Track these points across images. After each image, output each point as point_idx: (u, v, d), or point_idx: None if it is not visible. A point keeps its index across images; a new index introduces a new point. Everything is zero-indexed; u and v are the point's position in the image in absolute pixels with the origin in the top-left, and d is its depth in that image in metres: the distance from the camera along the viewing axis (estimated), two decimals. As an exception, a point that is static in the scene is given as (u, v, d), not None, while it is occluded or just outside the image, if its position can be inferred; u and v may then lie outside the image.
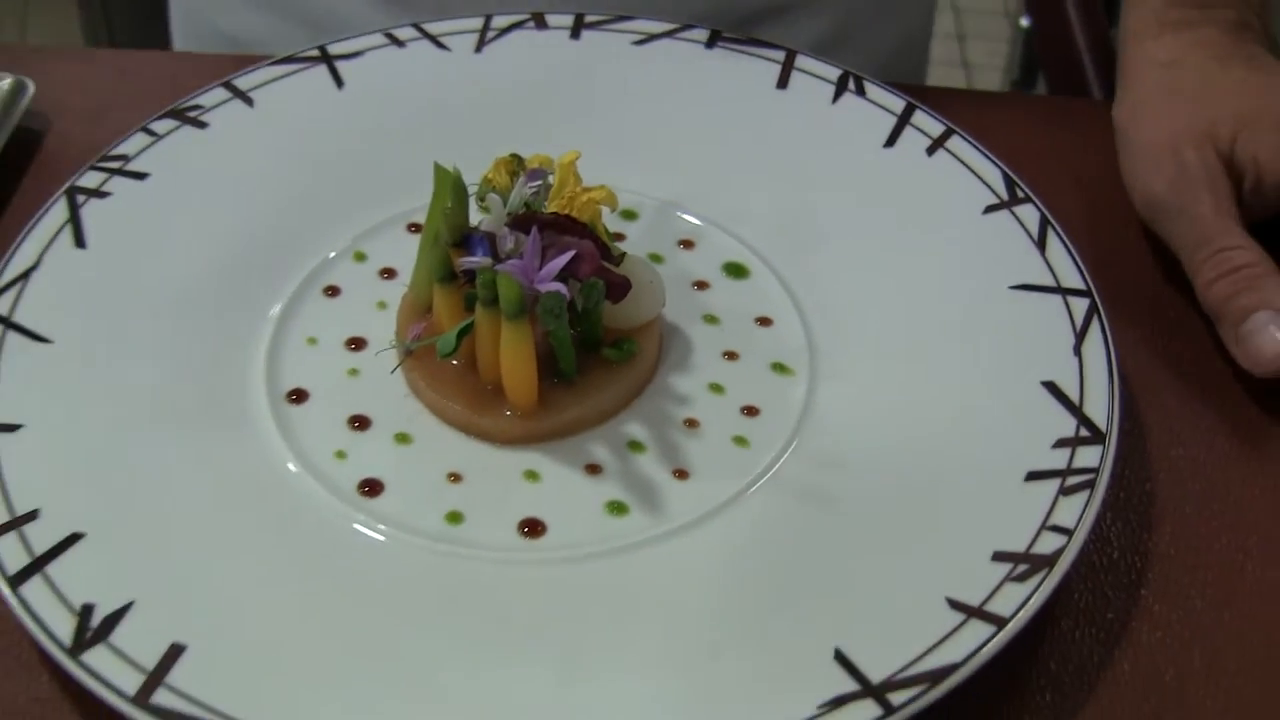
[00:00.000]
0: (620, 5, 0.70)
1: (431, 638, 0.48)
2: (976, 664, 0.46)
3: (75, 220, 0.60)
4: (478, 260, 0.53)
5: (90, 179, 0.62)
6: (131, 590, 0.48)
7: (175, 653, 0.46)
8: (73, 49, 0.79)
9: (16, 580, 0.48)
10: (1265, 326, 0.58)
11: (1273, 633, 0.51)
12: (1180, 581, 0.52)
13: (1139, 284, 0.63)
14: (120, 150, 0.63)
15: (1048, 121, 0.72)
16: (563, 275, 0.52)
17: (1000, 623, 0.47)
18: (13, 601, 0.47)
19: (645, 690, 0.46)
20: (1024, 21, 1.81)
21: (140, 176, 0.62)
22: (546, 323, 0.52)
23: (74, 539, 0.49)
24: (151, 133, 0.64)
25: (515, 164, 0.57)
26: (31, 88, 0.69)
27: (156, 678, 0.45)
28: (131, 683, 0.45)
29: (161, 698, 0.45)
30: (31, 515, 0.50)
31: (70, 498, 0.51)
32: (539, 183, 0.56)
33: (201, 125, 0.64)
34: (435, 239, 0.54)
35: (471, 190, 0.56)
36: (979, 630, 0.47)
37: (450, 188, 0.54)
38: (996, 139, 0.65)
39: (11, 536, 0.49)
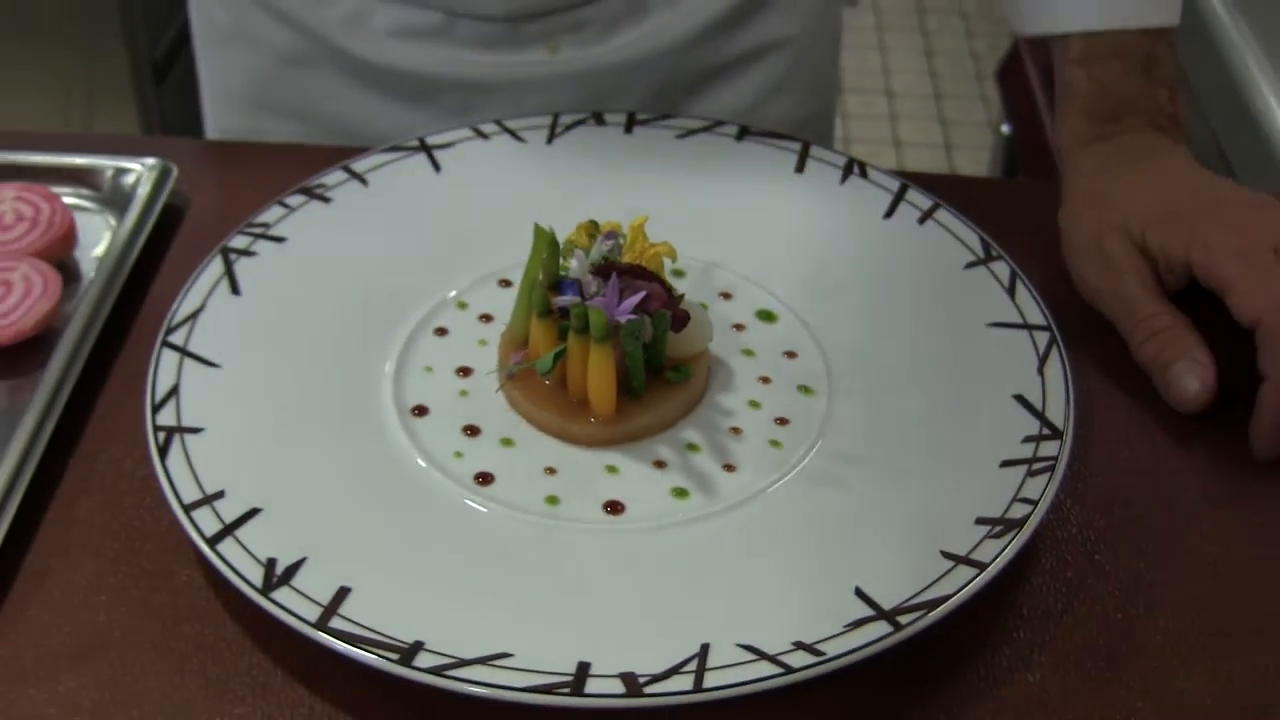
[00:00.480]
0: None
1: (533, 589, 0.62)
2: (964, 596, 0.59)
3: (230, 273, 0.75)
4: (570, 299, 0.67)
5: (239, 241, 0.76)
6: (304, 549, 0.62)
7: (343, 593, 0.60)
8: (198, 140, 0.94)
9: (213, 541, 0.62)
10: (1183, 375, 0.73)
11: (1199, 584, 0.65)
12: (1126, 549, 0.66)
13: (1094, 321, 0.78)
14: (261, 219, 0.78)
15: (1021, 199, 0.88)
16: (637, 309, 0.67)
17: (981, 567, 0.61)
18: (211, 555, 0.61)
19: (711, 620, 0.60)
20: (1005, 129, 1.98)
21: (280, 240, 0.77)
22: (627, 344, 0.67)
23: (254, 512, 0.63)
24: (286, 205, 0.79)
25: (593, 228, 0.72)
26: (175, 170, 0.84)
27: (331, 609, 0.59)
28: (312, 613, 0.59)
29: (336, 623, 0.59)
30: (219, 494, 0.64)
31: (249, 482, 0.65)
32: (613, 242, 0.71)
33: (326, 200, 0.79)
34: (534, 284, 0.69)
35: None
36: (966, 572, 0.60)
37: (546, 242, 0.68)
38: (977, 211, 0.81)
39: (205, 510, 0.63)
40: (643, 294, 0.67)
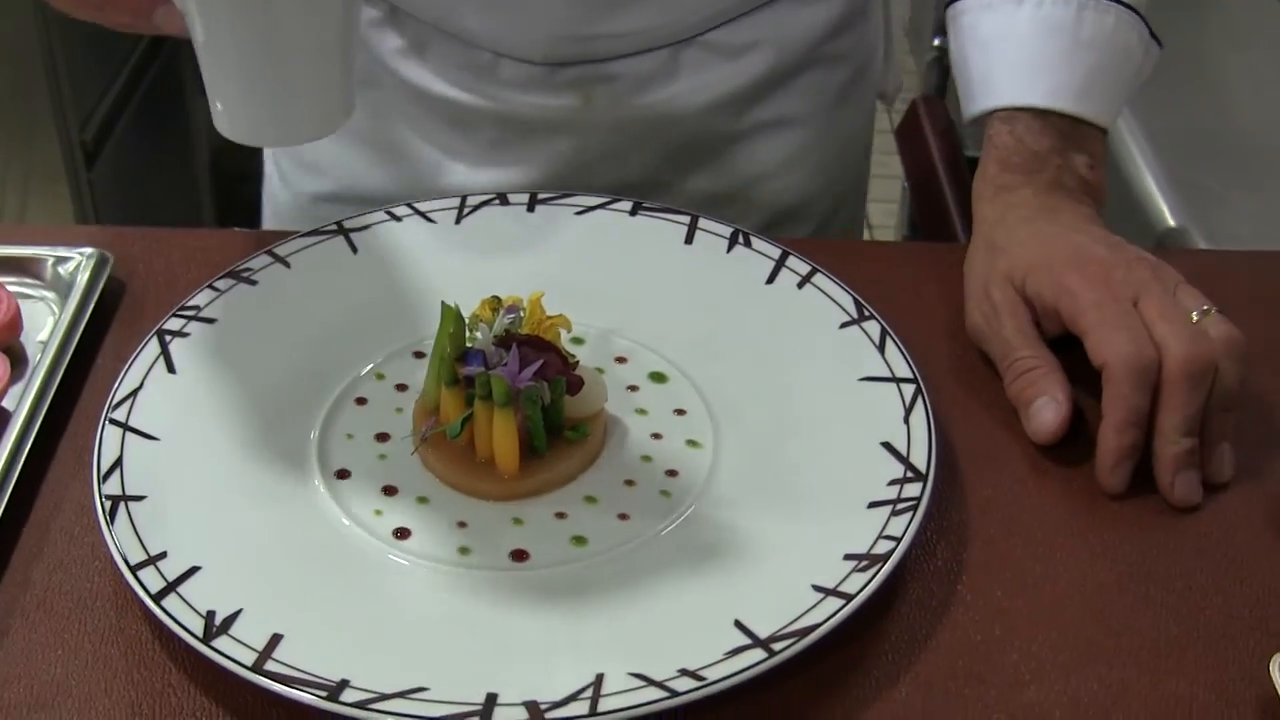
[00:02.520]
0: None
1: (447, 630, 0.71)
2: (832, 624, 0.69)
3: (165, 353, 0.84)
4: (475, 368, 0.77)
5: (173, 324, 0.86)
6: (240, 602, 0.71)
7: (276, 639, 0.69)
8: (133, 228, 1.04)
9: (157, 597, 0.71)
10: (1041, 410, 0.84)
11: (1051, 608, 0.75)
12: (985, 579, 0.76)
13: (964, 373, 0.89)
14: (193, 302, 0.87)
15: (904, 261, 0.99)
16: (536, 376, 0.77)
17: (848, 598, 0.71)
18: (155, 610, 0.70)
19: (606, 651, 0.70)
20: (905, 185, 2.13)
21: (211, 321, 0.87)
22: (527, 408, 0.77)
23: (194, 570, 0.72)
24: (215, 289, 0.88)
25: (495, 303, 0.82)
26: (112, 258, 0.93)
27: (265, 654, 0.68)
28: (249, 658, 0.68)
29: (271, 666, 0.68)
30: (162, 555, 0.73)
31: (188, 544, 0.74)
32: (514, 315, 0.80)
33: (253, 283, 0.89)
34: (443, 356, 0.78)
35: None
36: (834, 603, 0.70)
37: (453, 318, 0.78)
38: (856, 273, 0.92)
39: (150, 570, 0.72)
40: (540, 362, 0.77)
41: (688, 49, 1.04)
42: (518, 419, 0.77)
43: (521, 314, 0.81)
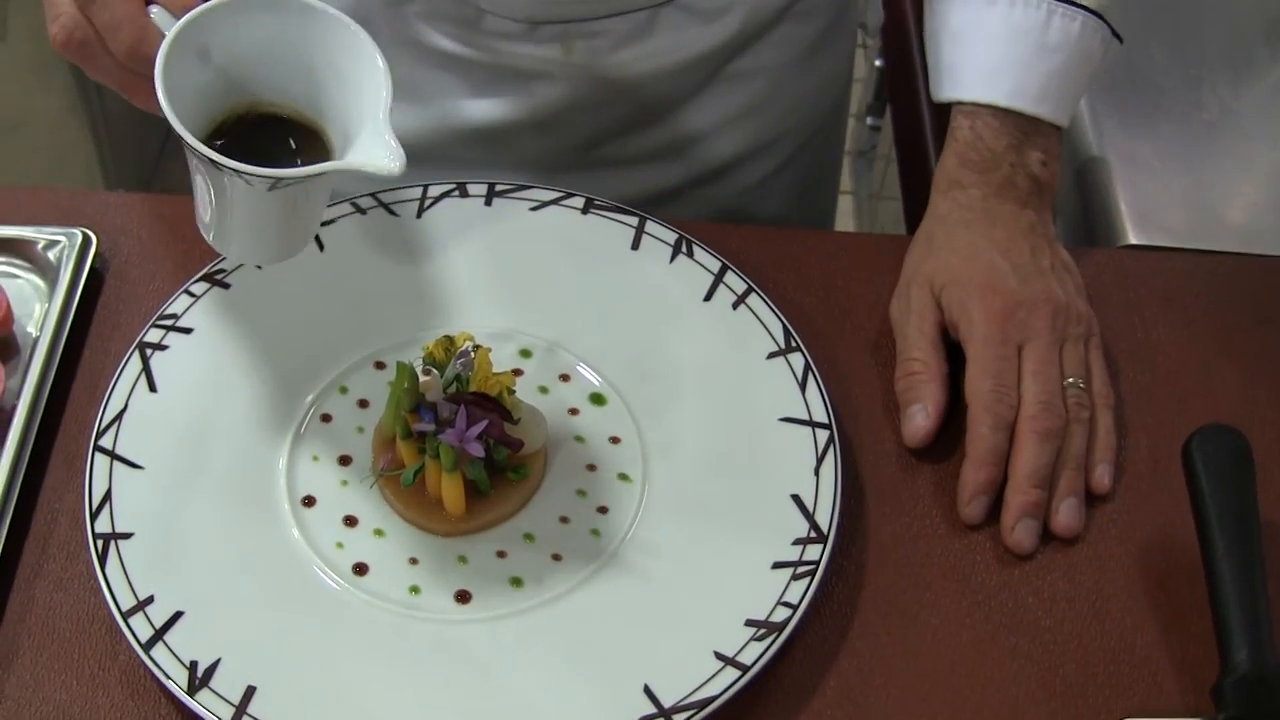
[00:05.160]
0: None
1: (392, 679, 0.86)
2: (728, 696, 0.84)
3: (147, 369, 0.97)
4: (427, 425, 0.90)
5: (153, 335, 0.98)
6: (218, 650, 0.86)
7: (250, 692, 0.84)
8: (114, 194, 1.14)
9: (147, 647, 0.86)
10: (914, 416, 0.98)
11: (927, 663, 0.89)
12: (875, 625, 0.91)
13: (881, 412, 1.01)
14: (171, 310, 0.99)
15: (854, 253, 1.10)
16: (481, 435, 0.90)
17: (745, 669, 0.85)
18: (147, 661, 0.85)
19: (520, 703, 0.85)
20: (878, 63, 2.29)
21: (188, 331, 0.99)
22: (469, 472, 0.90)
23: (178, 615, 0.87)
24: (191, 294, 1.00)
25: (448, 343, 0.93)
26: (95, 240, 1.04)
27: (241, 710, 0.83)
28: (227, 713, 0.83)
29: (245, 722, 0.84)
30: (149, 599, 0.87)
31: (172, 586, 0.88)
32: (465, 358, 0.92)
33: (226, 286, 1.01)
34: (397, 408, 0.91)
35: (417, 361, 0.93)
36: (732, 673, 0.85)
37: (407, 375, 0.91)
38: (807, 271, 1.04)
39: (139, 616, 0.87)
40: (485, 423, 0.89)
41: (665, 10, 1.12)
42: (463, 471, 0.91)
43: (472, 355, 0.93)
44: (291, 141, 0.88)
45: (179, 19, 0.82)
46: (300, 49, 0.85)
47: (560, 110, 1.16)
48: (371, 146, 0.81)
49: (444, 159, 1.18)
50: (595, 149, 1.20)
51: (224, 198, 0.84)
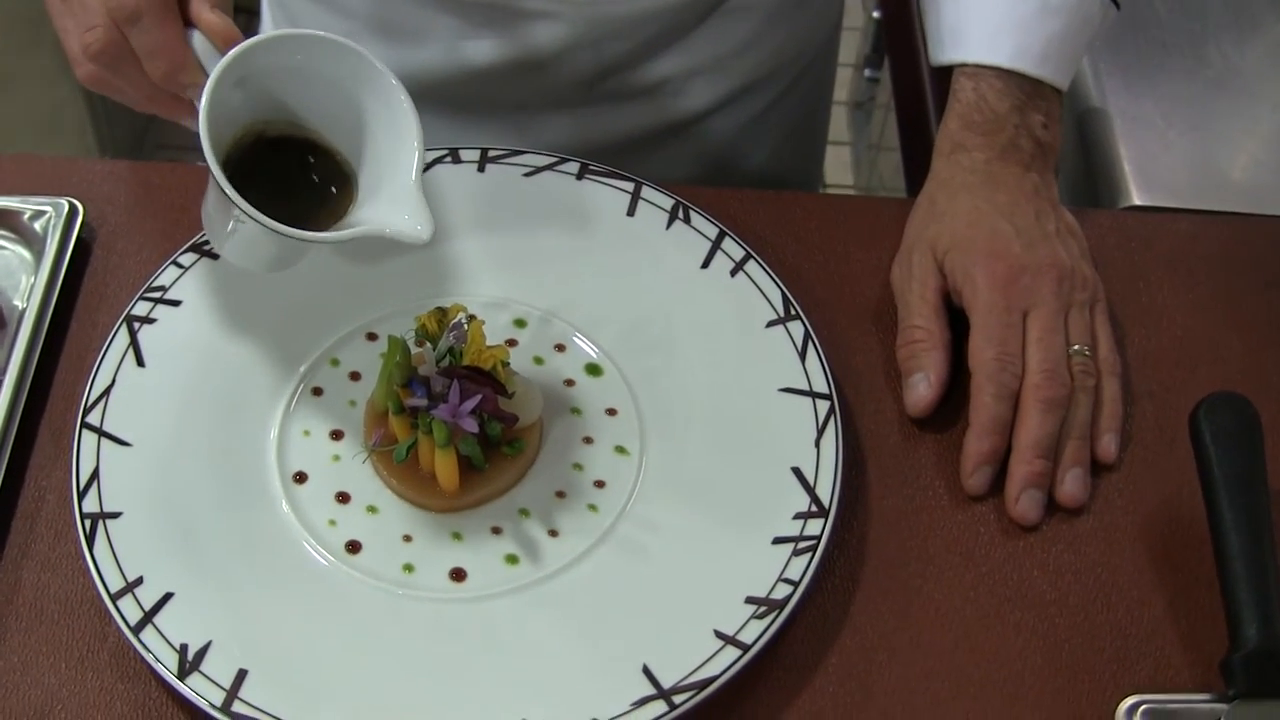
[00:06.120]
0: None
1: (385, 664, 0.84)
2: (729, 676, 0.83)
3: (135, 343, 0.95)
4: (419, 400, 0.88)
5: (140, 308, 0.96)
6: (209, 633, 0.84)
7: (242, 675, 0.83)
8: (101, 162, 1.12)
9: (136, 629, 0.84)
10: (916, 385, 0.96)
11: (929, 638, 0.88)
12: (877, 600, 0.89)
13: (882, 381, 0.99)
14: (159, 281, 0.97)
15: (852, 216, 1.08)
16: (473, 411, 0.88)
17: (746, 648, 0.84)
18: (136, 644, 0.83)
19: (517, 683, 0.83)
20: (875, 14, 2.26)
21: (176, 304, 0.97)
22: (463, 447, 0.88)
23: (168, 597, 0.85)
24: (179, 265, 0.98)
25: (440, 315, 0.91)
26: (81, 210, 1.02)
27: (232, 694, 0.82)
28: (218, 698, 0.82)
29: (237, 707, 0.82)
30: (139, 581, 0.86)
31: (162, 567, 0.86)
32: (457, 330, 0.90)
33: (215, 257, 0.98)
34: (389, 381, 0.89)
35: (409, 333, 0.91)
36: (732, 653, 0.84)
37: (399, 348, 0.88)
38: (805, 234, 1.02)
39: (128, 598, 0.85)
40: (479, 397, 0.87)
41: None
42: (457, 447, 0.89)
43: (465, 327, 0.90)
44: (310, 158, 0.89)
45: (221, 51, 0.82)
46: (335, 85, 0.86)
47: (561, 49, 1.13)
48: (400, 210, 0.84)
49: (442, 99, 1.16)
50: (597, 85, 1.17)
51: (235, 223, 0.85)
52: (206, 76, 0.81)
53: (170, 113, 0.86)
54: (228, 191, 0.80)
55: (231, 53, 0.81)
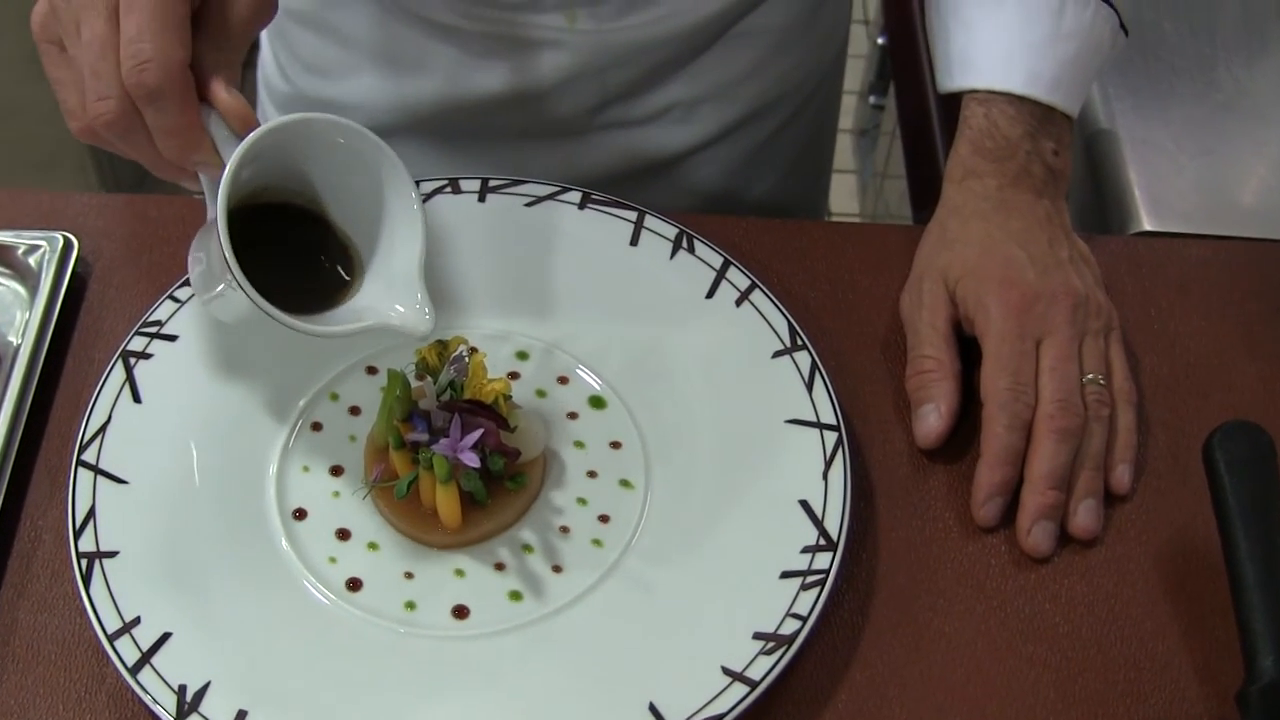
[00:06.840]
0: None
1: (389, 700, 0.83)
2: (736, 714, 0.81)
3: (131, 379, 0.93)
4: (420, 435, 0.87)
5: (136, 343, 0.95)
6: (208, 673, 0.83)
7: (241, 716, 0.81)
8: (97, 196, 1.11)
9: (134, 670, 0.82)
10: (925, 416, 0.95)
11: (940, 672, 0.86)
12: (887, 635, 0.88)
13: (890, 411, 0.98)
14: (156, 316, 0.96)
15: (860, 244, 1.07)
16: (476, 445, 0.86)
17: (753, 685, 0.82)
18: (134, 686, 0.82)
19: (524, 716, 0.82)
20: (880, 40, 2.22)
21: (173, 339, 0.95)
22: (465, 483, 0.87)
23: (166, 637, 0.84)
24: (176, 299, 0.97)
25: (441, 347, 0.90)
26: (76, 244, 1.01)
27: (231, 735, 0.81)
28: (217, 739, 0.81)
29: (236, 748, 0.81)
30: (136, 621, 0.84)
31: (159, 606, 0.85)
32: (458, 364, 0.89)
33: (212, 291, 0.97)
34: (390, 412, 0.88)
35: (410, 366, 0.89)
36: (739, 690, 0.82)
37: (399, 382, 0.87)
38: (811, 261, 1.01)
39: (125, 639, 0.84)
40: (480, 432, 0.86)
41: None
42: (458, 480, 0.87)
43: (466, 360, 0.89)
44: (311, 229, 0.89)
45: (238, 135, 0.81)
46: (344, 166, 0.86)
47: (564, 78, 1.12)
48: (402, 298, 0.85)
49: (443, 128, 1.15)
50: (600, 113, 1.17)
51: (228, 289, 0.84)
52: (218, 155, 0.81)
53: (172, 179, 0.84)
54: (239, 280, 0.80)
55: (248, 139, 0.80)
